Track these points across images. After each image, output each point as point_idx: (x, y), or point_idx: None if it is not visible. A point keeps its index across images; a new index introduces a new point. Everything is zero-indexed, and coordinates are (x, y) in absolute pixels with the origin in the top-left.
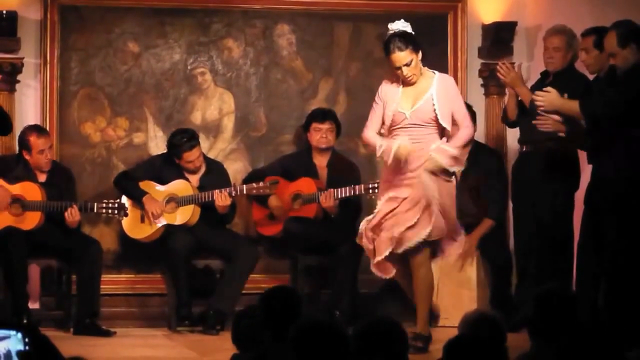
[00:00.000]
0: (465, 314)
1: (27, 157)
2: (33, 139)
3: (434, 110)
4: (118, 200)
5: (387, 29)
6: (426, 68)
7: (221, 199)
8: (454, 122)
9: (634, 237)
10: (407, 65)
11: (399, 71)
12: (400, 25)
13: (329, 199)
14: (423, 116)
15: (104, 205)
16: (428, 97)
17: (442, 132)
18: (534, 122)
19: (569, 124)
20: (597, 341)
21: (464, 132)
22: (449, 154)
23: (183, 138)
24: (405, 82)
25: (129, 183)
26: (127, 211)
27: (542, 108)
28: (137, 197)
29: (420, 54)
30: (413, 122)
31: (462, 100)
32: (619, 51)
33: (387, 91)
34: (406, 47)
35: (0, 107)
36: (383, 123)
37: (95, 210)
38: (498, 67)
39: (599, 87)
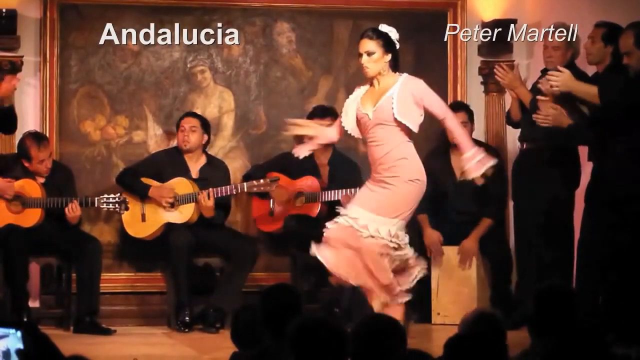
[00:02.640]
0: (465, 313)
1: (26, 164)
2: (34, 151)
3: (392, 109)
4: (118, 195)
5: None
6: (397, 73)
7: (204, 199)
8: (435, 117)
9: (634, 235)
10: (369, 54)
11: (361, 58)
12: (386, 28)
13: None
14: (384, 115)
15: (105, 199)
16: (388, 97)
17: (408, 133)
18: (534, 116)
19: (571, 113)
20: (587, 338)
21: (457, 127)
22: (478, 162)
23: (189, 112)
24: (364, 75)
25: (132, 180)
26: (128, 205)
27: (556, 88)
28: (143, 193)
29: (389, 56)
30: (376, 122)
31: (434, 95)
32: (635, 51)
33: (348, 101)
34: (376, 38)
35: (12, 106)
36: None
37: (96, 205)
38: (495, 69)
39: (603, 80)
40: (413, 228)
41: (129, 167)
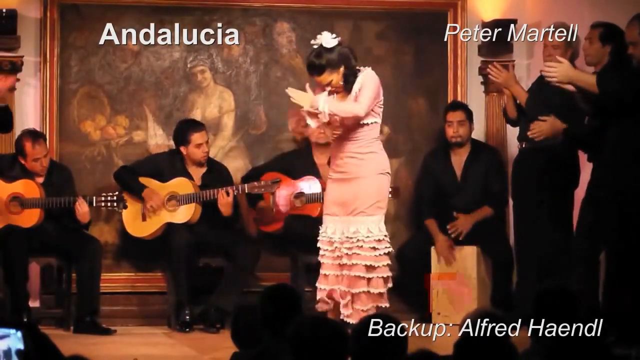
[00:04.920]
0: (467, 313)
1: (22, 161)
2: (29, 147)
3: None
4: (117, 193)
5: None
6: (361, 69)
7: (222, 198)
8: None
9: (634, 235)
10: (328, 84)
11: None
12: (324, 41)
13: None
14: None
15: (103, 198)
16: (353, 96)
17: (376, 129)
18: (529, 133)
19: (567, 120)
20: (587, 338)
21: (352, 104)
22: (321, 105)
23: (189, 122)
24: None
25: (129, 177)
26: (126, 203)
27: (555, 80)
28: (137, 191)
29: (342, 68)
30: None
31: (369, 86)
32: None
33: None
34: (324, 69)
35: (7, 105)
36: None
37: (94, 204)
38: (489, 69)
39: (602, 72)
40: (421, 233)
41: (126, 165)
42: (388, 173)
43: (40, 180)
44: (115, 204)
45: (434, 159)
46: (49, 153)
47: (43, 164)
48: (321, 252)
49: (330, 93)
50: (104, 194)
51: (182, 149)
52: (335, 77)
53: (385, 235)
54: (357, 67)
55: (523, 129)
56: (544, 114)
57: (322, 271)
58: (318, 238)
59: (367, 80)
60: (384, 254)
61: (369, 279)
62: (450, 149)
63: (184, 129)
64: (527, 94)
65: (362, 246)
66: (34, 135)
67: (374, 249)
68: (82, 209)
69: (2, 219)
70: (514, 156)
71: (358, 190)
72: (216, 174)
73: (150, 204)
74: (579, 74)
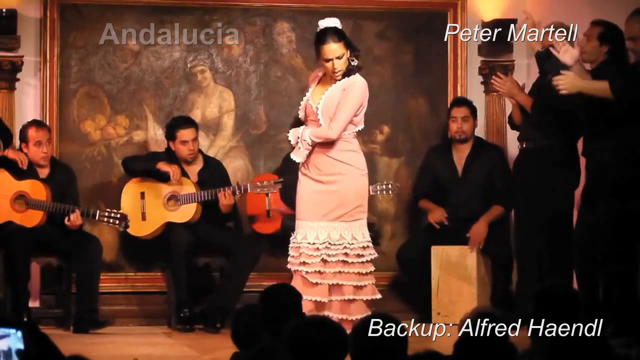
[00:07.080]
0: (465, 313)
1: (25, 150)
2: (31, 131)
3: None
4: (121, 211)
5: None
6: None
7: (225, 197)
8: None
9: (631, 234)
10: (339, 58)
11: (329, 63)
12: (332, 22)
13: None
14: (327, 111)
15: (106, 214)
16: (328, 93)
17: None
18: (554, 84)
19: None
20: (587, 338)
21: (322, 129)
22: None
23: (179, 119)
24: (332, 77)
25: (139, 161)
26: (128, 223)
27: (565, 92)
28: (164, 178)
29: (349, 53)
30: (322, 114)
31: (349, 105)
32: None
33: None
34: (338, 39)
35: (0, 119)
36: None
37: (97, 218)
38: (492, 80)
39: (617, 80)
40: (421, 233)
41: (134, 155)
42: (366, 174)
43: (44, 174)
44: (117, 222)
45: (436, 154)
46: (51, 143)
47: (44, 149)
48: (300, 259)
49: (318, 80)
50: (108, 210)
51: (171, 144)
52: (345, 53)
53: (369, 241)
54: (352, 69)
55: (524, 129)
56: (548, 116)
57: (311, 279)
58: (290, 245)
59: (352, 93)
60: (369, 261)
61: (357, 287)
62: (452, 145)
63: (172, 125)
64: (532, 99)
65: (347, 253)
66: (37, 123)
67: (359, 255)
68: (73, 222)
69: (5, 215)
70: (514, 156)
71: (338, 194)
72: (212, 170)
73: (175, 177)
74: (587, 83)
